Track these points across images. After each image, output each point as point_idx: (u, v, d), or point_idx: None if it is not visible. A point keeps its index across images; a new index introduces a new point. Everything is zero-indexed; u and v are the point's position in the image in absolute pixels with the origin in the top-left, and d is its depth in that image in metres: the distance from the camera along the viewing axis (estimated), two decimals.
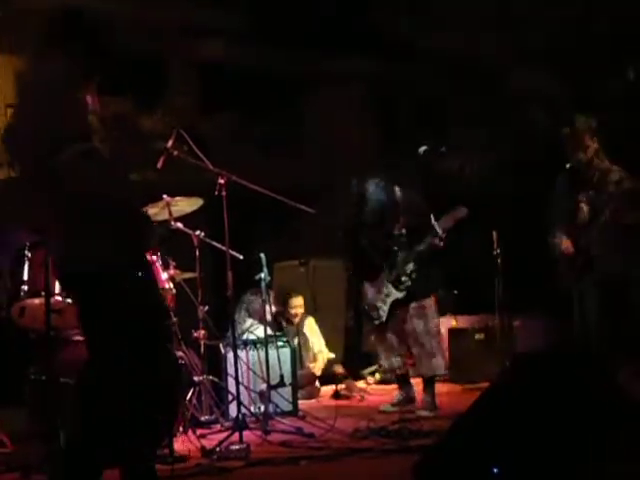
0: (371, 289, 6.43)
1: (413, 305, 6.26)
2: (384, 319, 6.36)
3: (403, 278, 6.26)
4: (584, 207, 5.95)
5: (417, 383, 6.65)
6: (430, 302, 6.33)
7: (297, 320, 7.86)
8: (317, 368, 7.76)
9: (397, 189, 6.39)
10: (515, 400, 3.39)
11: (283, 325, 7.74)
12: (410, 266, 6.26)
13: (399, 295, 6.28)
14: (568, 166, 6.06)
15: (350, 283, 8.51)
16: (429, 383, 6.34)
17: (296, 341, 7.45)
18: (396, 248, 6.31)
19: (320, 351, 7.87)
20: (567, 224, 6.00)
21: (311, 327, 7.92)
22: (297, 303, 7.88)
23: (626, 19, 7.84)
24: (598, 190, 5.90)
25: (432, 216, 6.19)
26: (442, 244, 6.19)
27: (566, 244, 6.00)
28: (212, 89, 8.90)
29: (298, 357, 7.34)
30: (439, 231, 6.15)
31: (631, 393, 3.50)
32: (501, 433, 3.30)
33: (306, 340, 7.85)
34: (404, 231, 6.34)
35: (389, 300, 6.32)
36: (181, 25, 8.84)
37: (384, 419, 5.85)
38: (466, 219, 6.24)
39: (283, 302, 7.89)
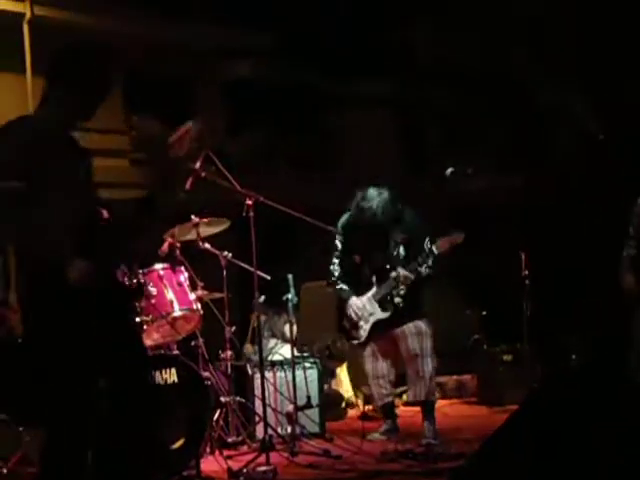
0: (357, 306, 6.16)
1: (409, 325, 6.01)
2: (363, 339, 6.14)
3: (396, 300, 6.05)
4: None
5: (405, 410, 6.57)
6: (425, 323, 6.07)
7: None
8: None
9: (400, 206, 6.15)
10: (545, 421, 3.35)
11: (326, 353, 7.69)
12: (403, 288, 6.02)
13: (383, 316, 6.06)
14: None
15: None
16: (429, 408, 6.06)
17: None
18: (389, 267, 6.08)
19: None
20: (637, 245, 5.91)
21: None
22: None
23: None
24: None
25: (428, 238, 5.94)
26: (425, 270, 5.94)
27: (629, 281, 5.94)
28: (240, 109, 8.97)
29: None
30: (434, 252, 5.90)
31: None
32: (531, 455, 3.26)
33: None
34: (401, 249, 6.12)
35: (372, 319, 6.09)
36: (209, 46, 8.92)
37: (412, 442, 5.81)
38: (462, 244, 5.95)
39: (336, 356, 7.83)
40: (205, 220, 6.04)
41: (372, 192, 6.13)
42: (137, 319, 5.46)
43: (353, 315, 6.17)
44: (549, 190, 8.54)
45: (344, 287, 6.28)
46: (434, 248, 5.91)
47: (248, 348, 6.89)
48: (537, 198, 8.65)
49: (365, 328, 6.13)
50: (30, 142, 3.69)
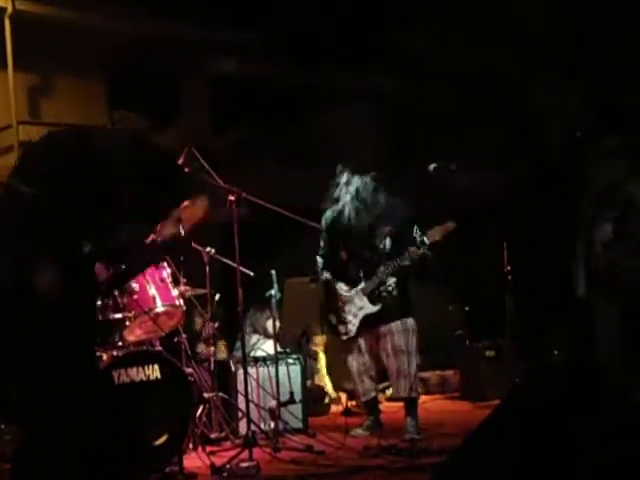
0: (343, 290, 6.17)
1: (396, 323, 6.01)
2: (353, 334, 6.12)
3: (384, 293, 6.05)
4: (607, 226, 5.91)
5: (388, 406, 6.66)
6: (412, 322, 6.07)
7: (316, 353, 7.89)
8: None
9: (384, 195, 6.14)
10: (528, 416, 3.36)
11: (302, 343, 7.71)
12: (392, 281, 6.05)
13: (373, 309, 6.04)
14: (593, 185, 6.06)
15: None
16: (412, 405, 6.07)
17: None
18: (376, 258, 6.08)
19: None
20: (591, 243, 5.97)
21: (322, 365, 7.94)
22: (321, 342, 7.89)
23: None
24: (623, 209, 5.88)
25: (416, 227, 5.96)
26: (421, 254, 5.93)
27: (580, 286, 6.00)
28: (224, 105, 8.94)
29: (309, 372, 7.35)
30: (426, 242, 5.91)
31: None
32: (513, 450, 3.27)
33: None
34: (388, 242, 6.11)
35: (361, 314, 6.07)
36: (195, 42, 8.90)
37: (395, 437, 5.83)
38: (454, 232, 5.95)
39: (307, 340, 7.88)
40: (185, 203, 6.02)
41: (342, 179, 6.16)
42: (119, 315, 5.46)
43: (343, 296, 6.14)
44: (534, 187, 8.57)
45: (329, 276, 6.26)
46: (425, 239, 5.92)
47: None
48: (522, 194, 8.67)
49: (354, 323, 6.11)
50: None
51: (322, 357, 7.96)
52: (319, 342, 7.86)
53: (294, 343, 7.37)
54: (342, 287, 6.18)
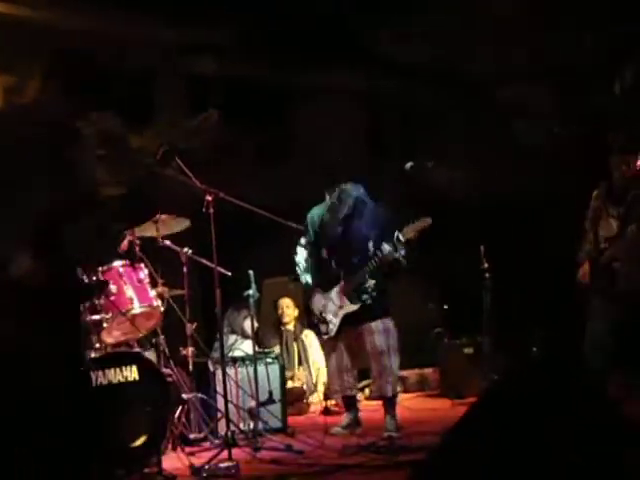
0: (321, 301, 6.18)
1: (376, 323, 6.01)
2: (333, 333, 6.14)
3: (364, 296, 6.05)
4: (613, 222, 5.92)
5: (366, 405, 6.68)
6: (391, 322, 6.09)
7: (288, 320, 7.91)
8: (319, 392, 7.77)
9: (369, 202, 6.21)
10: (506, 413, 3.37)
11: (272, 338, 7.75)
12: (371, 282, 6.05)
13: (353, 308, 6.05)
14: (604, 182, 6.06)
15: None
16: (391, 402, 6.10)
17: (295, 347, 7.72)
18: (357, 260, 6.08)
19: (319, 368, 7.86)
20: (592, 238, 5.99)
21: (311, 341, 7.92)
22: (285, 304, 7.92)
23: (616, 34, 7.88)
24: (630, 207, 5.88)
25: (397, 232, 5.92)
26: (394, 259, 5.94)
27: (583, 271, 6.01)
28: (203, 104, 8.92)
29: (292, 363, 7.37)
30: (401, 240, 5.88)
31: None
32: (490, 448, 3.29)
33: (305, 350, 7.87)
34: (370, 245, 6.08)
35: (341, 313, 6.08)
36: (170, 42, 8.87)
37: (374, 435, 5.84)
38: (430, 229, 5.93)
39: (274, 307, 7.95)
40: (164, 217, 6.02)
41: (349, 187, 6.20)
42: (97, 317, 5.45)
43: (316, 311, 6.19)
44: (509, 184, 8.59)
45: (309, 281, 6.28)
46: (400, 236, 5.90)
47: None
48: (498, 192, 8.70)
49: (335, 322, 6.11)
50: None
51: (310, 334, 7.89)
52: (285, 304, 7.91)
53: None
54: (317, 300, 6.21)
